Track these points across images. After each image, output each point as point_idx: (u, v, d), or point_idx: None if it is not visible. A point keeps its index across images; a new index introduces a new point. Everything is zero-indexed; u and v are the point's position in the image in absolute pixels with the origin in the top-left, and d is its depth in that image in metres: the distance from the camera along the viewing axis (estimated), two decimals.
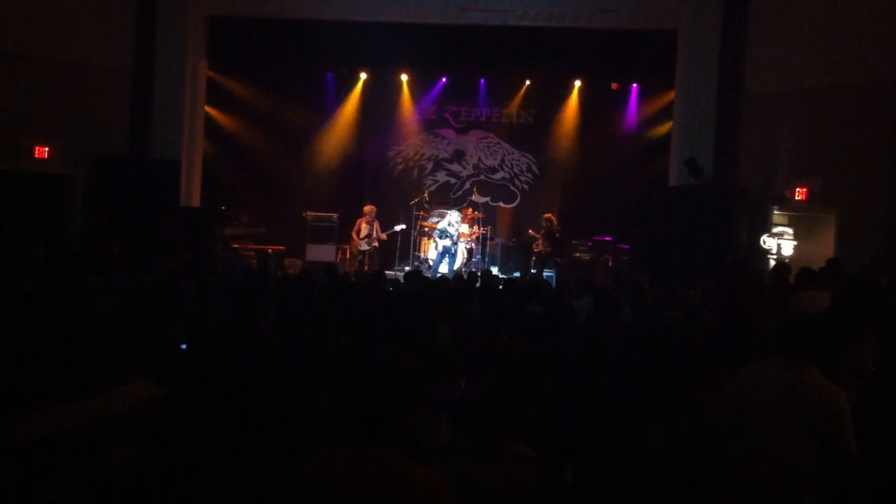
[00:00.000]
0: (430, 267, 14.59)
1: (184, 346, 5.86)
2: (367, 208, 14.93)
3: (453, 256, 14.50)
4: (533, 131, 16.69)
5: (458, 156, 16.88)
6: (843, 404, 3.83)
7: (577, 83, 16.11)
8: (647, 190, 15.14)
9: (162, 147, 13.91)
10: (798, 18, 11.99)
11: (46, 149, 12.68)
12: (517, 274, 14.37)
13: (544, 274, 14.09)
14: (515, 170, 16.80)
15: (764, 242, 12.17)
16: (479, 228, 15.51)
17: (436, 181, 16.80)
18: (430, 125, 16.88)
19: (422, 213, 15.68)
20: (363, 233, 14.72)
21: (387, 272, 13.17)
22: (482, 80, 16.53)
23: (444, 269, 14.12)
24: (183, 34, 14.04)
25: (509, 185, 16.80)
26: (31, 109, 12.66)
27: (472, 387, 4.72)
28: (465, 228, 15.04)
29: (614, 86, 15.93)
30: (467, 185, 16.68)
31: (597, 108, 16.24)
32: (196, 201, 14.53)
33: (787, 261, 11.13)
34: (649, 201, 14.55)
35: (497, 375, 5.01)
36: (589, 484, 4.01)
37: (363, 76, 16.41)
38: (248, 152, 16.10)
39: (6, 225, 11.59)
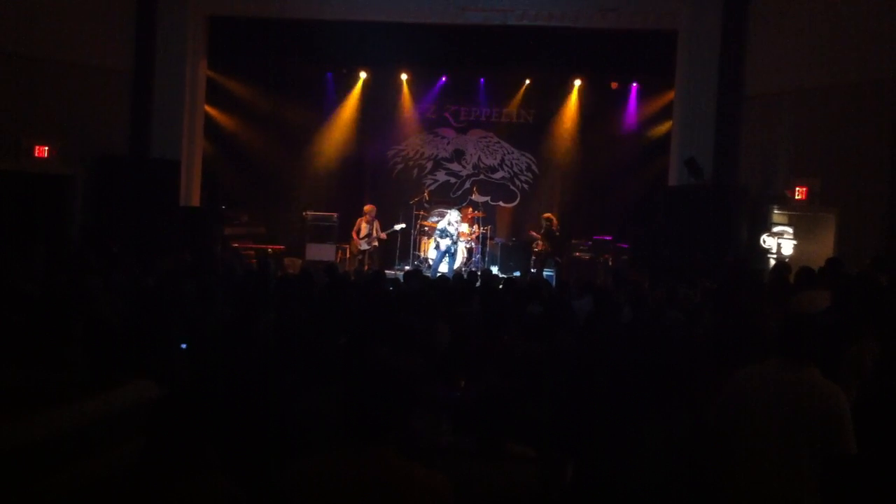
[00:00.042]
0: (429, 266, 14.59)
1: (184, 346, 5.86)
2: (366, 208, 14.93)
3: (453, 256, 14.50)
4: (533, 131, 16.69)
5: (458, 155, 16.89)
6: (843, 404, 3.83)
7: (577, 83, 16.11)
8: (647, 190, 15.15)
9: (162, 147, 13.91)
10: (798, 18, 11.99)
11: (46, 149, 12.69)
12: (517, 273, 14.37)
13: (544, 273, 14.09)
14: (515, 169, 16.80)
15: (764, 242, 12.17)
16: (478, 228, 15.51)
17: (435, 181, 16.80)
18: (430, 124, 16.88)
19: (422, 212, 15.68)
20: (363, 232, 14.72)
21: (387, 272, 13.17)
22: (482, 80, 16.53)
23: (444, 268, 14.12)
24: (183, 34, 14.04)
25: (509, 184, 16.80)
26: (31, 109, 12.66)
27: (472, 387, 4.72)
28: (464, 228, 15.04)
29: (614, 85, 15.92)
30: (467, 185, 16.68)
31: (597, 107, 16.24)
32: (196, 201, 14.53)
33: (787, 260, 11.13)
34: (649, 201, 14.55)
35: (497, 375, 5.00)
36: (589, 484, 4.01)
37: (363, 76, 16.42)
38: (248, 152, 16.11)
39: (6, 225, 11.59)
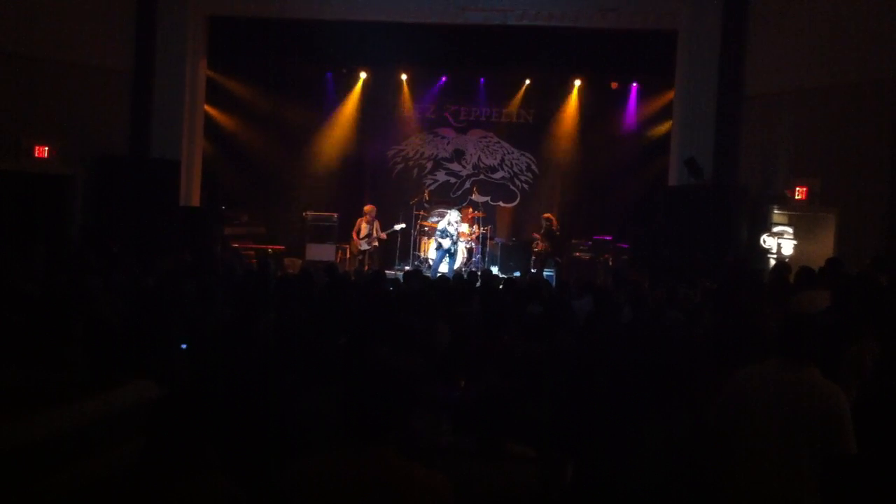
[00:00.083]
0: (430, 266, 14.60)
1: (184, 346, 5.86)
2: (367, 208, 14.93)
3: (453, 256, 14.50)
4: (533, 131, 16.70)
5: (458, 155, 16.89)
6: (843, 404, 3.83)
7: (577, 83, 16.12)
8: (646, 190, 15.16)
9: (162, 147, 13.92)
10: (798, 18, 11.99)
11: (46, 149, 12.68)
12: (517, 273, 14.37)
13: (544, 273, 14.10)
14: (515, 169, 16.80)
15: (764, 242, 12.17)
16: (478, 228, 15.51)
17: (435, 180, 16.81)
18: (430, 124, 16.88)
19: (422, 212, 15.68)
20: (363, 232, 14.73)
21: (387, 272, 13.18)
22: (482, 80, 16.54)
23: (444, 268, 14.13)
24: (183, 34, 14.05)
25: (509, 184, 16.81)
26: (31, 109, 12.65)
27: (472, 387, 4.71)
28: (464, 228, 15.04)
29: (614, 85, 15.93)
30: (467, 185, 16.68)
31: (597, 107, 16.24)
32: (196, 201, 14.54)
33: (787, 260, 11.13)
34: (649, 201, 14.55)
35: (497, 375, 5.00)
36: (589, 484, 4.01)
37: (363, 76, 16.43)
38: (248, 152, 16.12)
39: (6, 225, 11.59)
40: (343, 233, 15.29)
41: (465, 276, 11.20)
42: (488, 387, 3.98)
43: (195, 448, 2.89)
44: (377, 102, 16.62)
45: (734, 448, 3.96)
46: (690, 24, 13.33)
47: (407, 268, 14.29)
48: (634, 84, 15.86)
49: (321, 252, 14.93)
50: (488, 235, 15.76)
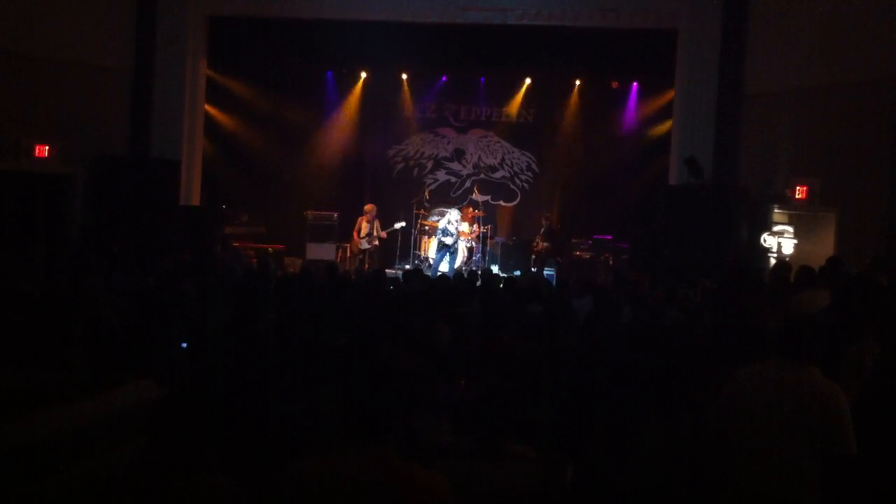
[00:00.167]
0: (430, 266, 14.61)
1: (184, 345, 5.86)
2: (367, 207, 14.93)
3: (454, 255, 14.51)
4: (533, 130, 16.70)
5: (458, 154, 16.89)
6: (843, 404, 3.83)
7: (577, 82, 16.11)
8: (647, 189, 15.14)
9: (162, 147, 13.91)
10: (798, 18, 11.99)
11: (46, 148, 12.67)
12: (517, 272, 14.37)
13: (545, 273, 14.09)
14: (515, 168, 16.80)
15: (764, 241, 12.16)
16: (479, 227, 15.51)
17: (436, 180, 16.81)
18: (430, 124, 16.88)
19: (422, 211, 15.69)
20: (364, 231, 14.73)
21: (387, 271, 13.18)
22: (482, 79, 16.53)
23: (444, 267, 14.13)
24: (183, 34, 14.04)
25: (509, 183, 16.80)
26: (31, 109, 12.64)
27: (472, 387, 4.71)
28: (465, 227, 15.04)
29: (614, 85, 15.92)
30: (467, 184, 16.68)
31: (597, 106, 16.24)
32: (196, 201, 14.53)
33: (787, 259, 11.13)
34: (649, 201, 14.54)
35: (497, 375, 5.01)
36: (589, 484, 4.01)
37: (363, 75, 16.43)
38: (249, 151, 16.12)
39: (6, 225, 11.59)
40: (343, 232, 15.29)
41: (466, 275, 11.19)
42: (488, 387, 3.99)
43: (195, 448, 2.89)
44: (377, 102, 16.62)
45: (734, 448, 3.96)
46: (690, 24, 13.33)
47: (407, 267, 14.30)
48: (635, 83, 15.85)
49: (321, 251, 14.93)
50: (488, 234, 15.77)
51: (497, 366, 5.23)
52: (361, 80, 16.47)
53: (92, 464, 3.67)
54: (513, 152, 16.80)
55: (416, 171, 16.83)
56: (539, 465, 3.56)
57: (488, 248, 15.78)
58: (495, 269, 14.34)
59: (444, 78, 16.45)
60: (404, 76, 16.46)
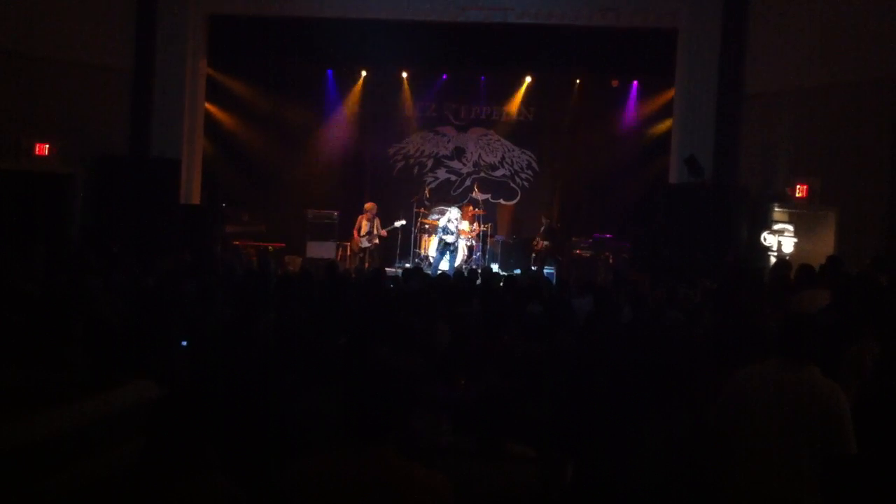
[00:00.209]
0: (430, 264, 14.61)
1: (184, 343, 5.86)
2: (367, 205, 14.94)
3: (454, 253, 14.51)
4: (533, 129, 16.69)
5: (459, 153, 16.89)
6: (843, 404, 3.83)
7: (578, 81, 16.10)
8: (647, 188, 15.13)
9: (162, 146, 13.92)
10: (798, 18, 11.99)
11: (46, 147, 12.67)
12: (517, 271, 14.37)
13: (545, 271, 14.09)
14: (516, 167, 16.80)
15: (764, 240, 12.17)
16: (479, 226, 15.51)
17: (436, 178, 16.81)
18: (431, 122, 16.88)
19: (422, 210, 15.69)
20: (364, 230, 14.74)
21: (387, 269, 13.18)
22: (482, 78, 16.53)
23: (444, 266, 14.14)
24: (183, 33, 14.05)
25: (509, 182, 16.80)
26: (31, 109, 12.65)
27: (472, 387, 4.72)
28: (465, 225, 15.05)
29: (615, 83, 15.91)
30: (468, 183, 16.67)
31: (597, 105, 16.23)
32: (196, 200, 14.54)
33: (787, 258, 11.13)
34: (649, 200, 14.54)
35: (497, 375, 5.01)
36: (589, 484, 4.01)
37: (363, 74, 16.43)
38: (249, 150, 16.12)
39: (6, 225, 11.59)
40: (343, 230, 15.29)
41: (466, 273, 11.19)
42: (488, 387, 3.99)
43: (195, 448, 2.89)
44: (378, 100, 16.62)
45: (734, 448, 3.96)
46: (691, 23, 13.33)
47: (407, 265, 14.29)
48: (635, 83, 15.84)
49: (322, 250, 14.93)
50: (489, 233, 15.77)
51: (497, 366, 5.23)
52: (361, 79, 16.47)
53: (92, 464, 3.68)
54: (513, 151, 16.80)
55: (416, 169, 16.83)
56: (539, 465, 3.56)
57: (488, 246, 15.78)
58: (495, 267, 14.35)
59: (444, 76, 16.45)
60: (404, 75, 16.45)
